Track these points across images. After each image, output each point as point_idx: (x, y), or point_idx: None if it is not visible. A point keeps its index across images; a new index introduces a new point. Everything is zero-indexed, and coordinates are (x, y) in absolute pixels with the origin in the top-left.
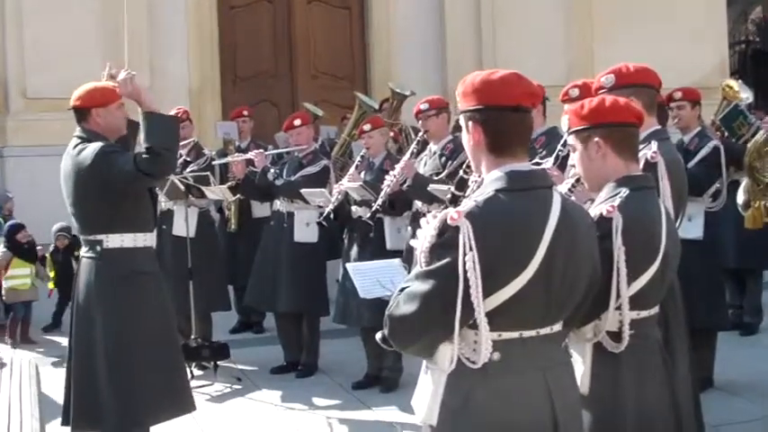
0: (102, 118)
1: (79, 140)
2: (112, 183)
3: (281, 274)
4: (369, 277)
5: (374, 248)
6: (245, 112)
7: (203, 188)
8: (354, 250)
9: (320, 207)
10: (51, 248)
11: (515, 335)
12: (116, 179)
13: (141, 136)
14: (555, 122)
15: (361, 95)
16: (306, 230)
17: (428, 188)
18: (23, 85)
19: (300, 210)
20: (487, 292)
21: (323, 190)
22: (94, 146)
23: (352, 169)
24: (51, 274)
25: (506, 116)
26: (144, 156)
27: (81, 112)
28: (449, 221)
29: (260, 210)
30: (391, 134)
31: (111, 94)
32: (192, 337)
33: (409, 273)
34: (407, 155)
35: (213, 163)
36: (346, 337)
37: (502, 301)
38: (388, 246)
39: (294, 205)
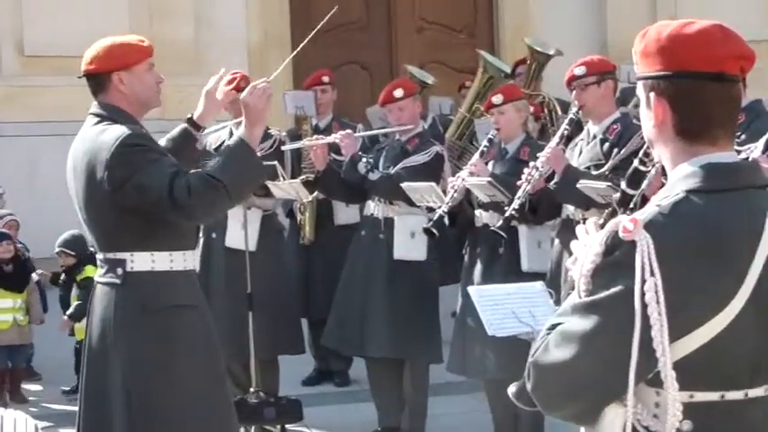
0: (126, 85)
1: (98, 119)
2: (128, 198)
3: (374, 305)
4: (499, 307)
5: (505, 268)
6: (325, 79)
7: (268, 183)
8: (478, 270)
9: (430, 211)
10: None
11: (715, 396)
12: (133, 196)
13: (212, 161)
14: (758, 93)
15: (486, 55)
16: (410, 243)
17: (583, 185)
18: (19, 38)
19: (403, 215)
20: (676, 335)
21: (432, 184)
22: (116, 131)
23: (476, 158)
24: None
25: (705, 87)
26: (195, 181)
27: (97, 79)
28: (621, 234)
29: (346, 214)
30: (531, 109)
31: (138, 51)
32: (252, 390)
33: (558, 303)
34: (555, 139)
35: (282, 148)
36: (465, 394)
37: (696, 348)
38: (525, 266)
39: (394, 208)
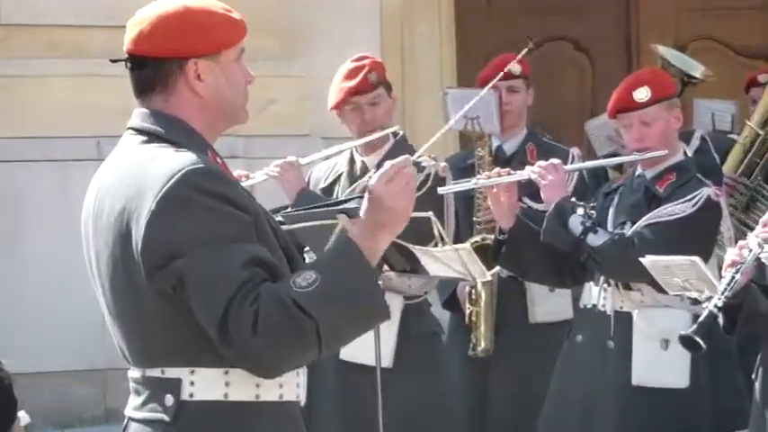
0: (205, 83)
1: (144, 138)
2: (167, 286)
3: None
4: None
5: None
6: (515, 67)
7: (417, 250)
8: None
9: (695, 302)
10: None
11: None
12: (170, 289)
13: (299, 279)
14: None
15: None
16: (660, 359)
17: None
18: None
19: (648, 309)
20: None
21: (695, 259)
22: (176, 161)
23: None
24: None
25: None
26: (269, 308)
27: (153, 69)
28: None
29: (548, 306)
30: None
31: (229, 27)
32: None
33: None
34: None
35: (440, 190)
36: None
37: None
38: None
39: (633, 297)
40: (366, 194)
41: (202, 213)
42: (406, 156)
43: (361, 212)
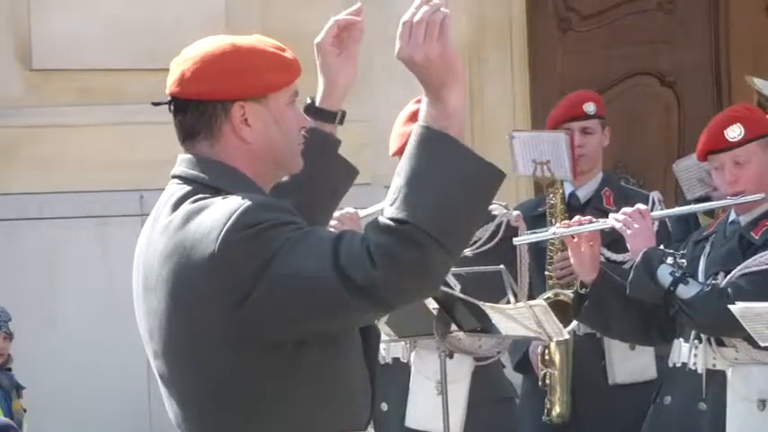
0: (253, 129)
1: (189, 188)
2: (262, 314)
3: None
4: None
5: None
6: (590, 108)
7: (488, 308)
8: None
9: None
10: None
11: None
12: (267, 306)
13: (388, 198)
14: None
15: None
16: (758, 422)
17: None
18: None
19: (743, 367)
20: None
21: None
22: (225, 208)
23: None
24: None
25: None
26: (375, 238)
27: (198, 112)
28: None
29: (630, 365)
30: None
31: (280, 67)
32: None
33: None
34: None
35: (514, 241)
36: None
37: None
38: None
39: (727, 354)
40: (410, 69)
41: (270, 233)
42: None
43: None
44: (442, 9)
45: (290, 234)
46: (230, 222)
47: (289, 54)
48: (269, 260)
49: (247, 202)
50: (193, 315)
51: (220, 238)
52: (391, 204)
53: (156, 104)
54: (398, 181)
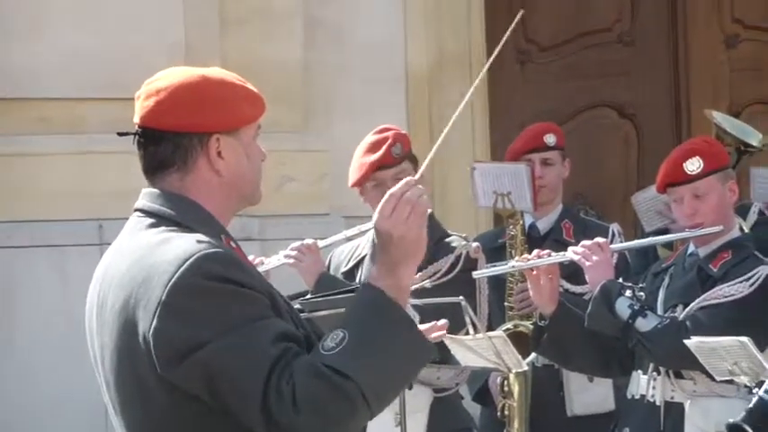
0: (225, 162)
1: (152, 221)
2: (190, 382)
3: None
4: None
5: None
6: (550, 139)
7: (447, 339)
8: None
9: (752, 391)
10: None
11: None
12: (198, 384)
13: (327, 342)
14: None
15: None
16: None
17: None
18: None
19: (701, 398)
20: None
21: (745, 340)
22: (183, 247)
23: None
24: None
25: None
26: (305, 382)
27: (170, 144)
28: None
29: (588, 397)
30: None
31: (251, 101)
32: None
33: None
34: None
35: (474, 274)
36: None
37: None
38: None
39: (684, 385)
40: (373, 234)
41: (218, 299)
42: (407, 179)
43: (375, 252)
44: (425, 196)
45: (241, 310)
46: (186, 267)
47: (254, 88)
48: (207, 337)
49: (207, 248)
50: (136, 353)
51: (170, 285)
52: (330, 351)
53: (121, 135)
54: (344, 333)
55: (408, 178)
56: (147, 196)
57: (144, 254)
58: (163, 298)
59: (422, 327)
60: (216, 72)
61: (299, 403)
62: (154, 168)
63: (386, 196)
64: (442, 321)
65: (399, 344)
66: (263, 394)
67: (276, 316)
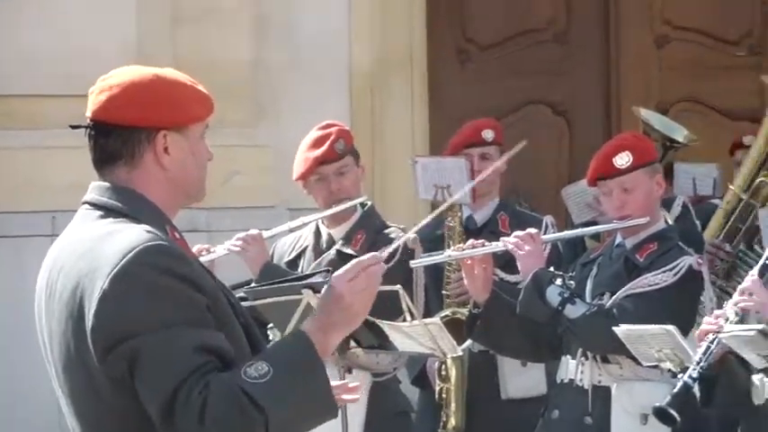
0: (172, 157)
1: (101, 213)
2: (116, 370)
3: None
4: None
5: None
6: (488, 135)
7: (385, 326)
8: None
9: (675, 375)
10: None
11: None
12: (121, 371)
13: (250, 369)
14: None
15: None
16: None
17: None
18: None
19: (627, 383)
20: None
21: (671, 329)
22: (129, 238)
23: (751, 279)
24: None
25: None
26: (216, 402)
27: (120, 138)
28: None
29: (521, 381)
30: None
31: (199, 100)
32: None
33: None
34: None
35: (411, 263)
36: None
37: None
38: None
39: (611, 370)
40: (326, 287)
41: (156, 294)
42: (374, 254)
43: (318, 304)
44: (380, 270)
45: (168, 312)
46: (128, 259)
47: (203, 89)
48: (132, 333)
49: (150, 241)
50: (82, 340)
51: (112, 274)
52: (252, 380)
53: (74, 127)
54: (269, 368)
55: (376, 254)
56: (95, 189)
57: (92, 245)
58: (104, 286)
59: (334, 383)
60: (168, 72)
61: (206, 417)
62: (103, 160)
63: (353, 262)
64: (354, 384)
65: (313, 397)
66: (172, 396)
67: (215, 316)
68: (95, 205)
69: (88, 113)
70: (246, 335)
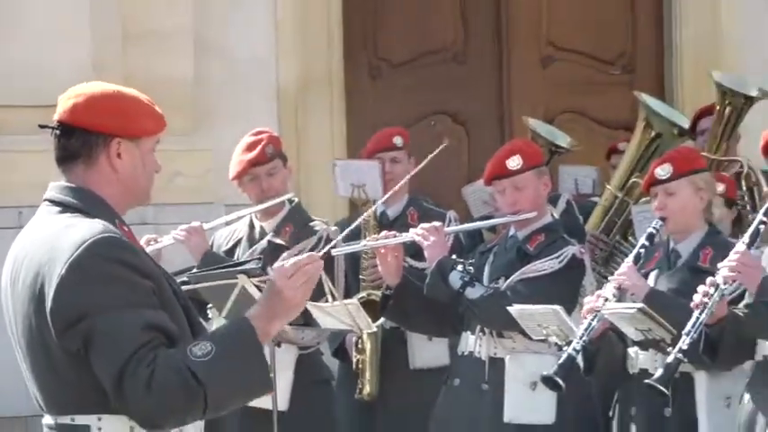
0: (124, 162)
1: (60, 208)
2: (73, 346)
3: None
4: None
5: None
6: (398, 141)
7: (309, 305)
8: None
9: (560, 348)
10: None
11: None
12: (77, 348)
13: (195, 348)
14: None
15: (649, 100)
16: (529, 399)
17: None
18: None
19: (518, 355)
20: None
21: (557, 308)
22: (85, 230)
23: (627, 265)
24: None
25: None
26: (162, 374)
27: (81, 139)
28: None
29: (428, 353)
30: (720, 188)
31: (153, 117)
32: None
33: None
34: (746, 238)
35: (333, 252)
36: None
37: None
38: None
39: (505, 344)
40: (268, 282)
41: (106, 280)
42: (312, 254)
43: (261, 297)
44: (318, 267)
45: (120, 293)
46: (83, 248)
47: (158, 109)
48: (86, 312)
49: (103, 233)
50: (41, 320)
51: (70, 261)
52: (196, 358)
53: (42, 127)
54: (212, 347)
55: (314, 254)
56: (54, 188)
57: (50, 236)
58: (62, 273)
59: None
60: (129, 90)
61: (153, 384)
62: (64, 158)
63: (293, 260)
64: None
65: (250, 376)
66: (122, 369)
67: (159, 299)
68: (54, 202)
69: (56, 116)
70: (186, 316)
